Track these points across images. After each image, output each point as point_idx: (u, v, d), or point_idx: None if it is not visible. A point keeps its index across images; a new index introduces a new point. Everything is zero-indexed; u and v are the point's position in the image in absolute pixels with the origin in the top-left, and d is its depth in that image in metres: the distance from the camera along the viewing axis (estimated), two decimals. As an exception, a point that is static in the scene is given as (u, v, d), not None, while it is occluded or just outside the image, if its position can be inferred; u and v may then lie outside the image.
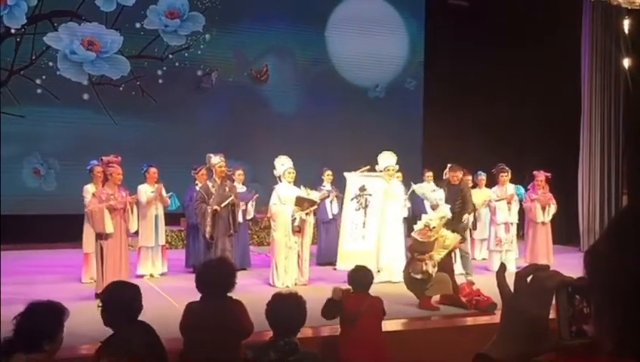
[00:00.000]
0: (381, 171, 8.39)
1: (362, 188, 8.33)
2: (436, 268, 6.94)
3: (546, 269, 1.00)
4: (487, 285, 8.23)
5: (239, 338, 3.79)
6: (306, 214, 8.31)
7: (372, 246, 8.22)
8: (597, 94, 12.25)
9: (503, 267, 1.09)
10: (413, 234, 7.15)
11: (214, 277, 3.85)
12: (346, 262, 8.33)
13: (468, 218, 8.46)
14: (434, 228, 6.99)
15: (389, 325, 6.03)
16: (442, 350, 5.27)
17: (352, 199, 7.99)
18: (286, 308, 3.32)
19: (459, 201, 8.07)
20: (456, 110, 13.21)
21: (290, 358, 3.10)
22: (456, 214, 7.91)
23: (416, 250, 7.03)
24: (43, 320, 2.98)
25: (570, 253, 10.73)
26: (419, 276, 6.86)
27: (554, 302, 0.98)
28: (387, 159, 8.39)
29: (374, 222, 8.21)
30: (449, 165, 9.33)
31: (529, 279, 1.00)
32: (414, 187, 8.62)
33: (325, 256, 9.80)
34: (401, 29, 14.77)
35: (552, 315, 0.98)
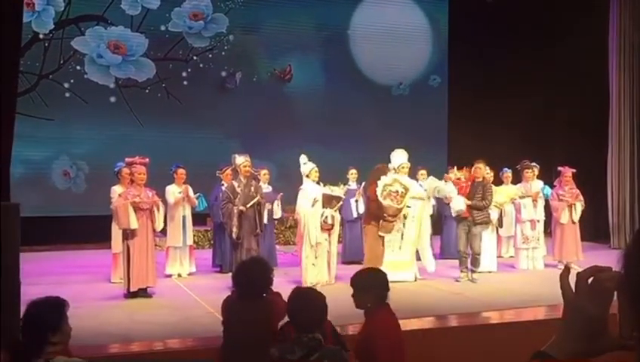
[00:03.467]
0: (395, 169, 8.44)
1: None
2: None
3: (607, 271, 1.02)
4: (514, 282, 8.19)
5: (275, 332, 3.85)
6: (335, 211, 8.36)
7: (408, 255, 8.41)
8: (625, 87, 12.04)
9: (567, 269, 1.12)
10: (387, 202, 7.95)
11: (251, 277, 3.88)
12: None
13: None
14: (403, 192, 7.97)
15: (415, 323, 6.03)
16: (465, 349, 5.25)
17: None
18: (305, 303, 3.34)
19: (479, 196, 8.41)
20: (481, 107, 13.09)
21: (315, 354, 3.10)
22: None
23: (390, 214, 7.88)
24: (42, 313, 3.00)
25: (600, 250, 10.58)
26: (392, 234, 8.05)
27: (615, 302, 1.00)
28: (400, 157, 8.50)
29: (412, 233, 8.42)
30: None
31: (590, 280, 1.03)
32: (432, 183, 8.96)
33: (350, 254, 9.81)
34: (424, 26, 14.70)
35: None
